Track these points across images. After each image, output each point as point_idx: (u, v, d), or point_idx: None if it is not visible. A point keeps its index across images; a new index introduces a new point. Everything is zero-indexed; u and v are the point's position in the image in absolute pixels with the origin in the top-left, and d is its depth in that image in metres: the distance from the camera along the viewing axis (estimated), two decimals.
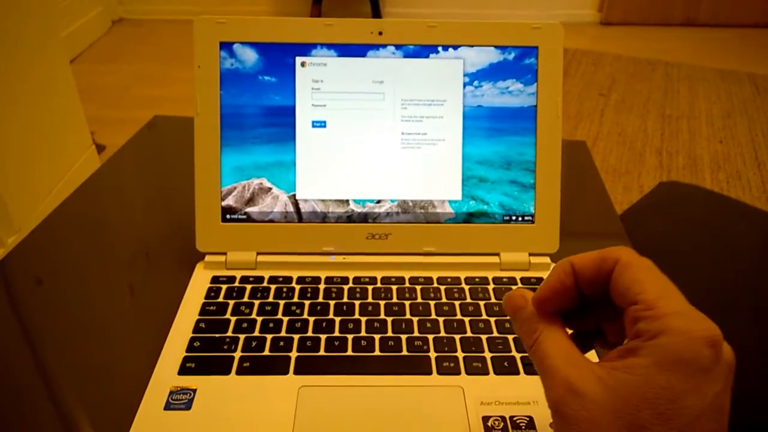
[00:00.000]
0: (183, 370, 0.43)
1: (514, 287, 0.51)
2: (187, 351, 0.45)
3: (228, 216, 0.53)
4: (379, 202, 0.54)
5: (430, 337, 0.46)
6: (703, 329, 0.24)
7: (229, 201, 0.53)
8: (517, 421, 0.40)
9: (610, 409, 0.24)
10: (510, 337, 0.46)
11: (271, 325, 0.47)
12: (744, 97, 2.38)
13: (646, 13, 3.13)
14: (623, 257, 0.28)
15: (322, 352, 0.45)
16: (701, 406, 0.23)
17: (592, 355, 0.41)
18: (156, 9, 3.12)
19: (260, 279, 0.52)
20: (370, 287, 0.51)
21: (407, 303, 0.50)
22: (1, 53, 1.40)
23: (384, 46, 0.53)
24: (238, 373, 0.43)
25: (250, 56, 0.52)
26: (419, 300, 0.50)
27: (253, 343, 0.46)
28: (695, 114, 2.25)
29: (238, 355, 0.45)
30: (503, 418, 0.40)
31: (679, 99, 2.36)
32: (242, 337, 0.46)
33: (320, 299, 0.50)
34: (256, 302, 0.49)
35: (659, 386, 0.24)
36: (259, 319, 0.48)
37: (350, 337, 0.46)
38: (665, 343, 0.24)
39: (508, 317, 0.48)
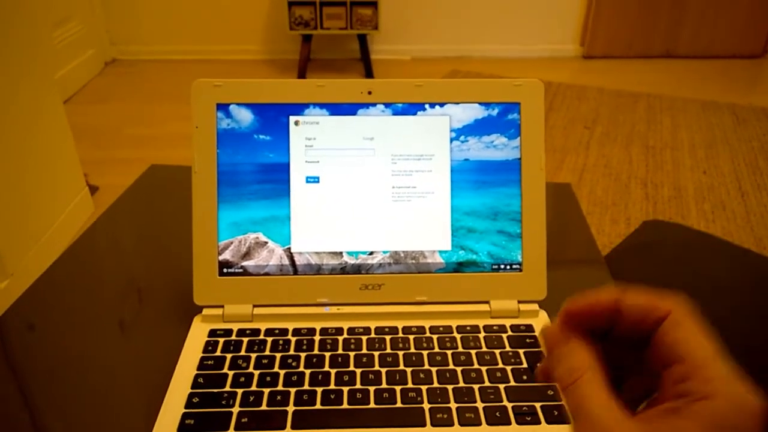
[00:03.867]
0: (182, 427, 0.44)
1: (504, 335, 0.53)
2: (186, 407, 0.46)
3: (225, 270, 0.55)
4: (371, 253, 0.55)
5: (424, 388, 0.48)
6: (752, 400, 0.24)
7: (226, 255, 0.55)
8: None
9: None
10: (501, 386, 0.48)
11: (268, 378, 0.48)
12: (725, 127, 2.44)
13: (627, 46, 3.22)
14: (676, 311, 0.27)
15: (318, 406, 0.46)
16: None
17: None
18: (148, 50, 3.17)
19: (257, 332, 0.53)
20: (364, 338, 0.52)
21: (401, 353, 0.51)
22: None
23: (374, 104, 0.55)
24: (236, 428, 0.44)
25: (245, 116, 0.55)
26: (412, 350, 0.51)
27: (251, 398, 0.47)
28: (678, 145, 2.30)
29: (236, 410, 0.46)
30: None
31: (662, 130, 2.42)
32: (240, 391, 0.47)
33: (316, 351, 0.51)
34: (253, 355, 0.51)
35: None
36: (257, 372, 0.49)
37: (345, 389, 0.47)
38: (714, 408, 0.24)
39: (499, 366, 0.50)
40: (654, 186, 2.03)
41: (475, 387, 0.47)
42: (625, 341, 0.29)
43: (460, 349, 0.51)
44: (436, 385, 0.48)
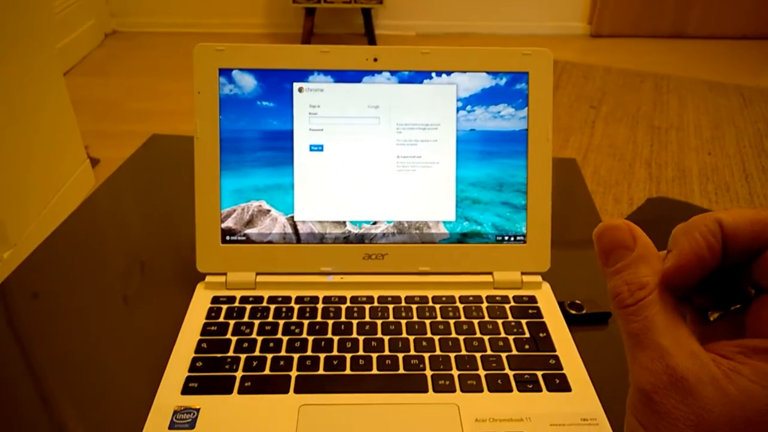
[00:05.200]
0: (186, 390, 0.45)
1: (506, 306, 0.53)
2: (190, 371, 0.46)
3: (228, 237, 0.55)
4: (375, 223, 0.55)
5: (426, 355, 0.48)
6: None
7: (229, 223, 0.54)
8: None
9: (723, 422, 0.19)
10: (503, 354, 0.48)
11: (271, 344, 0.48)
12: (732, 108, 2.42)
13: (636, 25, 3.18)
14: None
15: (321, 371, 0.46)
16: None
17: None
18: (149, 21, 3.13)
19: (260, 299, 0.53)
20: (367, 306, 0.52)
21: (403, 322, 0.51)
22: None
23: (379, 72, 0.54)
24: (239, 392, 0.45)
25: (248, 82, 0.54)
26: (415, 319, 0.51)
27: (254, 363, 0.47)
28: (684, 125, 2.28)
29: (239, 374, 0.46)
30: None
31: (668, 111, 2.40)
32: (243, 356, 0.47)
33: (319, 318, 0.51)
34: (256, 322, 0.51)
35: None
36: (260, 338, 0.49)
37: (348, 356, 0.47)
38: None
39: (501, 335, 0.50)
40: (658, 166, 2.02)
41: (477, 355, 0.48)
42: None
43: (463, 319, 0.51)
44: (438, 352, 0.48)
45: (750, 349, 0.20)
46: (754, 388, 0.19)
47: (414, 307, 0.53)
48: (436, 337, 0.49)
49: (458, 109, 0.55)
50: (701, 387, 0.20)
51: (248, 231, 0.55)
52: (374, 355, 0.47)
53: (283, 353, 0.48)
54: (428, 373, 0.46)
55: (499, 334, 0.50)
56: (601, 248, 0.24)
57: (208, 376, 0.46)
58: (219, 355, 0.47)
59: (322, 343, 0.49)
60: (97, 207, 0.72)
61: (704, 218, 0.22)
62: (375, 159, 0.55)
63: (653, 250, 0.23)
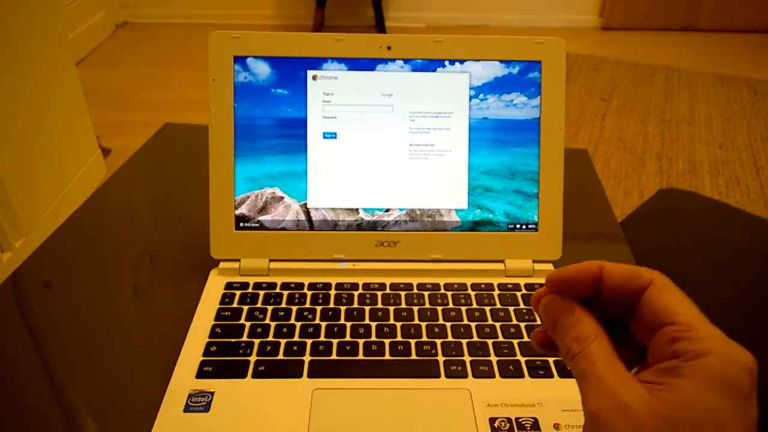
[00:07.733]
0: (201, 374, 0.45)
1: (518, 293, 0.53)
2: (204, 355, 0.47)
3: (241, 224, 0.55)
4: (387, 210, 0.55)
5: (438, 341, 0.48)
6: (744, 356, 0.25)
7: (243, 210, 0.55)
8: (523, 423, 0.41)
9: (653, 427, 0.24)
10: (515, 341, 0.48)
11: (284, 330, 0.49)
12: (743, 102, 2.40)
13: (647, 18, 3.15)
14: (658, 279, 0.28)
15: (334, 356, 0.47)
16: None
17: None
18: (160, 12, 3.14)
19: (273, 285, 0.54)
20: (379, 293, 0.53)
21: (415, 309, 0.51)
22: (7, 56, 1.42)
23: (392, 60, 0.54)
24: (253, 376, 0.45)
25: (263, 70, 0.54)
26: (427, 306, 0.52)
27: (268, 348, 0.47)
28: (695, 119, 2.27)
29: (253, 359, 0.46)
30: (509, 420, 0.42)
31: (679, 104, 2.38)
32: (257, 341, 0.48)
33: (331, 305, 0.52)
34: (270, 308, 0.51)
35: (706, 407, 0.24)
36: (273, 324, 0.50)
37: (361, 341, 0.48)
38: (709, 365, 0.24)
39: (513, 322, 0.50)
40: (668, 159, 2.00)
41: (489, 342, 0.48)
42: (608, 311, 0.30)
43: (475, 306, 0.52)
44: (450, 339, 0.48)
45: (661, 371, 0.26)
46: (670, 396, 0.24)
47: (426, 294, 0.53)
48: (448, 324, 0.50)
49: (471, 98, 0.55)
50: (633, 401, 0.25)
51: (262, 218, 0.55)
52: (387, 341, 0.48)
53: (296, 338, 0.48)
54: (440, 358, 0.46)
55: (511, 321, 0.50)
56: (547, 320, 0.31)
57: (223, 360, 0.46)
58: (233, 340, 0.48)
59: (335, 328, 0.49)
60: (109, 196, 0.73)
61: (594, 261, 0.30)
62: (388, 147, 0.55)
63: (586, 312, 0.29)
